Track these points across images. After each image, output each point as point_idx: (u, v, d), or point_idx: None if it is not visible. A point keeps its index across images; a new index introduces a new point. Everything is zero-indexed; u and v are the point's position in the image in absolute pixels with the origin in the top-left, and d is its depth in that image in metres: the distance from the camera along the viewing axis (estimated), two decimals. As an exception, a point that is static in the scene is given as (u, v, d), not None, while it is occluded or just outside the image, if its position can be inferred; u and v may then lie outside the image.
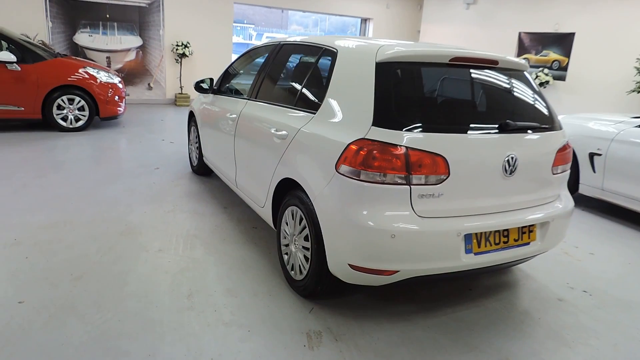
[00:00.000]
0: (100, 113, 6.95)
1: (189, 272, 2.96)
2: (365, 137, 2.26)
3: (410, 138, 2.23)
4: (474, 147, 2.35)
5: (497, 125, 2.45)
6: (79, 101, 6.76)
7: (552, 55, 8.54)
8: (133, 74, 10.06)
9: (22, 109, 6.42)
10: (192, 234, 3.54)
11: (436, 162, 2.24)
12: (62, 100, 6.65)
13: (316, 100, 2.74)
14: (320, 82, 2.80)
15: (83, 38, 9.40)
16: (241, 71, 4.11)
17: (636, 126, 4.46)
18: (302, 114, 2.81)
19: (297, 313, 2.60)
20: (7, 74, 6.20)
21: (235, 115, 3.66)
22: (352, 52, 2.63)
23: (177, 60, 10.25)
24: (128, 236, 3.42)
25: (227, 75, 4.28)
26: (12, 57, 6.18)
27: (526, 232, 2.57)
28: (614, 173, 4.51)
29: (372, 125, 2.27)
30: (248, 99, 3.61)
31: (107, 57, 9.71)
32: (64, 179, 4.62)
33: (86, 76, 6.75)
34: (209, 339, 2.32)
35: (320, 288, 2.61)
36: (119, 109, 7.24)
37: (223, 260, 3.16)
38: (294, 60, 3.36)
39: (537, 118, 2.70)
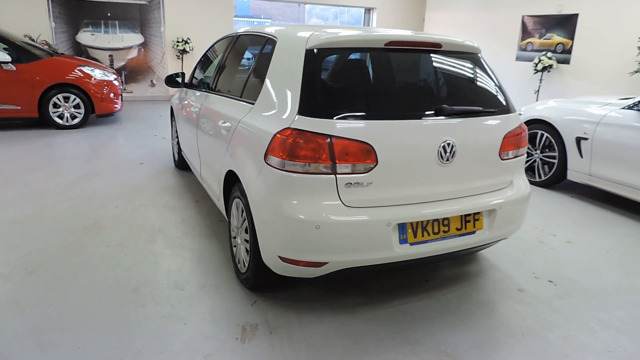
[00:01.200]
0: (95, 110, 7.08)
1: (142, 266, 2.98)
2: (290, 127, 2.21)
3: (335, 126, 2.17)
4: (404, 134, 2.26)
5: (433, 111, 2.36)
6: (74, 99, 6.90)
7: (556, 38, 8.20)
8: (136, 71, 10.21)
9: (19, 107, 6.59)
10: (157, 228, 3.57)
11: (362, 150, 2.17)
12: (58, 98, 6.80)
13: (256, 91, 2.70)
14: (261, 72, 2.75)
15: (86, 37, 9.57)
16: (207, 64, 4.10)
17: (622, 108, 4.24)
18: (244, 104, 2.78)
19: (239, 306, 2.59)
20: (3, 74, 6.37)
21: (197, 109, 3.66)
22: (288, 40, 2.57)
23: (178, 56, 10.34)
24: (92, 231, 3.48)
25: (196, 68, 4.27)
26: (7, 58, 6.35)
27: (471, 220, 2.47)
28: (601, 158, 4.31)
29: (298, 114, 2.22)
30: (207, 92, 3.60)
31: (109, 55, 9.87)
32: (47, 176, 4.73)
33: (81, 74, 6.87)
34: (142, 332, 2.33)
35: (260, 280, 2.58)
36: (115, 106, 7.36)
37: (179, 253, 3.18)
38: (244, 51, 3.32)
39: (482, 102, 2.59)
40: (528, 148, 5.08)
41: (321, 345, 2.29)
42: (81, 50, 9.56)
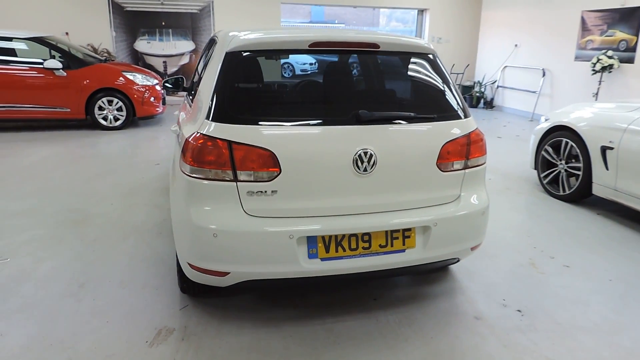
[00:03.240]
0: (136, 113, 7.55)
1: (100, 262, 3.09)
2: (198, 131, 2.16)
3: (237, 131, 2.08)
4: (310, 142, 2.12)
5: (349, 117, 2.18)
6: (117, 102, 7.42)
7: (619, 34, 7.29)
8: (188, 76, 10.74)
9: (69, 110, 7.22)
10: (135, 226, 3.70)
11: (263, 157, 2.07)
12: (103, 101, 7.35)
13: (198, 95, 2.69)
14: (202, 75, 2.74)
15: (142, 45, 10.27)
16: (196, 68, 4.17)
17: (652, 114, 3.65)
18: (189, 108, 2.78)
19: (169, 309, 2.59)
20: (55, 79, 7.02)
21: (179, 113, 3.74)
22: (220, 43, 2.52)
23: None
24: (77, 225, 3.68)
25: (195, 71, 4.36)
26: (58, 65, 6.98)
27: (399, 237, 2.25)
28: (628, 170, 3.74)
29: (206, 118, 2.17)
30: (188, 96, 3.66)
31: (163, 62, 10.50)
32: (69, 173, 5.11)
33: (123, 80, 7.38)
34: (65, 325, 2.40)
35: (186, 285, 2.56)
36: (156, 109, 7.80)
37: (143, 252, 3.25)
38: (206, 53, 3.33)
39: (420, 107, 2.35)
40: (552, 158, 4.56)
41: (224, 358, 2.21)
42: (138, 58, 10.27)
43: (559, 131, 4.49)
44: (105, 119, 7.46)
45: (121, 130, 7.52)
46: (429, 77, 2.48)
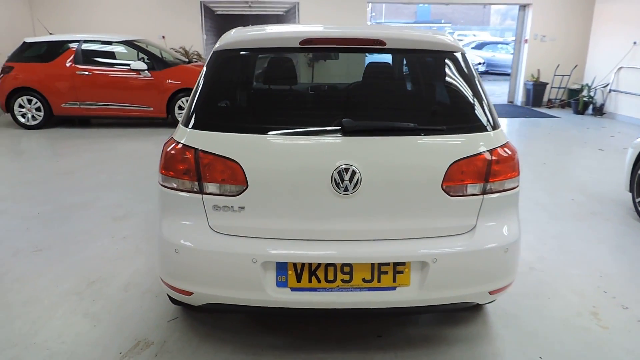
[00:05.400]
0: (212, 112, 7.82)
1: (118, 261, 3.12)
2: (173, 137, 2.01)
3: (206, 139, 1.88)
4: (284, 154, 1.83)
5: (333, 127, 1.85)
6: (195, 102, 7.74)
7: None
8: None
9: (152, 109, 7.71)
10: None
11: (231, 168, 1.84)
12: (182, 101, 7.72)
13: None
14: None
15: (230, 47, 10.69)
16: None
17: None
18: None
19: (158, 319, 2.48)
20: (141, 80, 7.53)
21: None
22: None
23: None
24: (115, 222, 3.80)
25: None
26: (143, 66, 7.48)
27: (388, 272, 1.87)
28: None
29: (182, 123, 2.01)
30: None
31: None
32: (109, 169, 5.34)
33: (201, 80, 7.68)
34: (56, 324, 2.42)
35: (171, 298, 2.43)
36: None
37: (150, 257, 3.21)
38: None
39: (427, 116, 1.94)
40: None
41: (187, 383, 2.03)
42: (226, 59, 10.72)
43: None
44: (183, 117, 7.84)
45: (197, 129, 7.83)
46: (449, 80, 2.06)
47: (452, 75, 2.06)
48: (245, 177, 1.83)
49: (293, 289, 1.86)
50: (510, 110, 10.31)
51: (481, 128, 1.94)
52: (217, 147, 1.86)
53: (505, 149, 1.95)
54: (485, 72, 19.93)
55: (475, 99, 2.00)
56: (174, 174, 1.91)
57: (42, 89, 7.39)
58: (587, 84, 9.78)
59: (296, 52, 2.08)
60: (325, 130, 1.86)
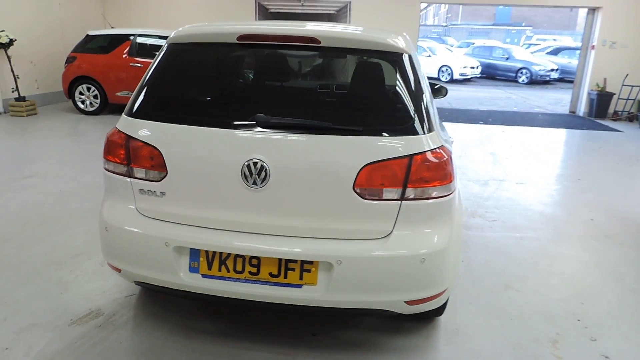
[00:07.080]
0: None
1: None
2: (116, 125, 2.16)
3: (137, 126, 2.01)
4: (199, 144, 1.90)
5: (248, 121, 1.89)
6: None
7: None
8: (318, 76, 11.09)
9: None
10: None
11: (154, 155, 1.95)
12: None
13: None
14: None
15: (280, 44, 10.96)
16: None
17: None
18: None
19: (118, 293, 2.65)
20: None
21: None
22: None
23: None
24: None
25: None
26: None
27: (295, 269, 1.88)
28: None
29: (124, 112, 2.15)
30: None
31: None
32: None
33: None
34: (30, 289, 2.68)
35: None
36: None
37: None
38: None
39: (347, 115, 1.91)
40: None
41: (117, 353, 2.17)
42: (276, 56, 11.00)
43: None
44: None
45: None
46: (386, 81, 2.01)
47: (389, 77, 2.01)
48: (165, 164, 1.93)
49: (204, 276, 1.93)
50: (568, 120, 9.61)
51: (408, 131, 1.88)
52: (145, 134, 1.97)
53: (433, 155, 1.87)
54: (560, 80, 18.62)
55: (409, 102, 1.94)
56: (111, 158, 2.06)
57: (99, 78, 8.06)
58: (659, 97, 8.87)
59: (234, 48, 2.13)
60: (241, 124, 1.91)
